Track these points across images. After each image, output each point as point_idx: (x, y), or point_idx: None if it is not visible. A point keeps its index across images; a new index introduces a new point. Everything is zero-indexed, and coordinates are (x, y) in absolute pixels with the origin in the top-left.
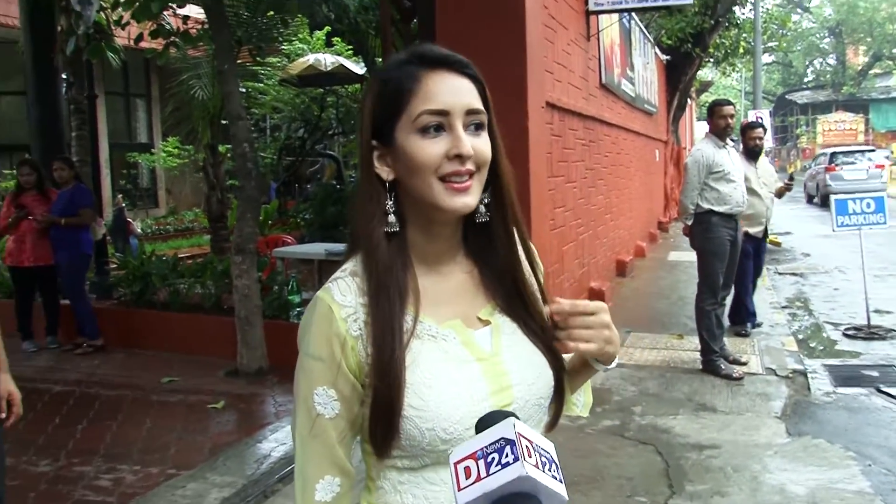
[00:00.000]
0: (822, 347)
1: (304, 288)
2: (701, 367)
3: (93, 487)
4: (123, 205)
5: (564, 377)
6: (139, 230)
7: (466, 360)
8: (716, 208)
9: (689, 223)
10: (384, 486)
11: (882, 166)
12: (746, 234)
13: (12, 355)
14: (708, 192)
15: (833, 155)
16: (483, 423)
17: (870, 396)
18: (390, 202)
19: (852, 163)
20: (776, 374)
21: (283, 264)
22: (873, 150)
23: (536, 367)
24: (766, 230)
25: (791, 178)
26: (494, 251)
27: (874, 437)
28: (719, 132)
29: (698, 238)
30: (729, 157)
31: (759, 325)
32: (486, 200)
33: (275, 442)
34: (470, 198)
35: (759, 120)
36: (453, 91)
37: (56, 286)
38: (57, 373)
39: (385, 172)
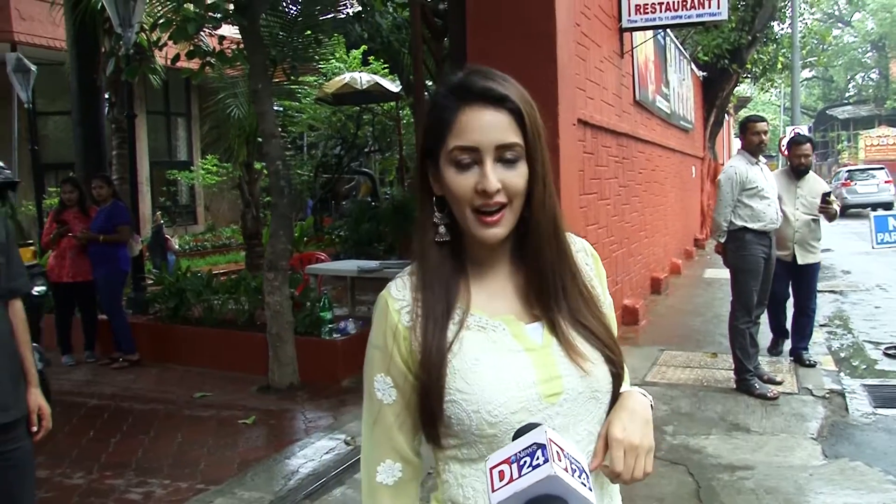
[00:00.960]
0: (861, 367)
1: (336, 304)
2: (735, 386)
3: (123, 501)
4: (162, 222)
5: (622, 381)
6: (177, 246)
7: (515, 350)
8: (749, 225)
9: (722, 241)
10: (448, 479)
11: (890, 181)
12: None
13: (51, 369)
14: (741, 209)
15: (850, 172)
16: (520, 433)
17: None
18: (439, 215)
19: (865, 179)
20: (812, 395)
21: (316, 281)
22: (882, 168)
23: (589, 362)
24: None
25: (827, 198)
26: (539, 256)
27: None
28: (752, 149)
29: (731, 256)
30: (762, 174)
31: (779, 351)
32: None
33: (303, 458)
34: (500, 229)
35: (800, 135)
36: (485, 127)
37: (94, 302)
38: (93, 386)
39: (436, 188)
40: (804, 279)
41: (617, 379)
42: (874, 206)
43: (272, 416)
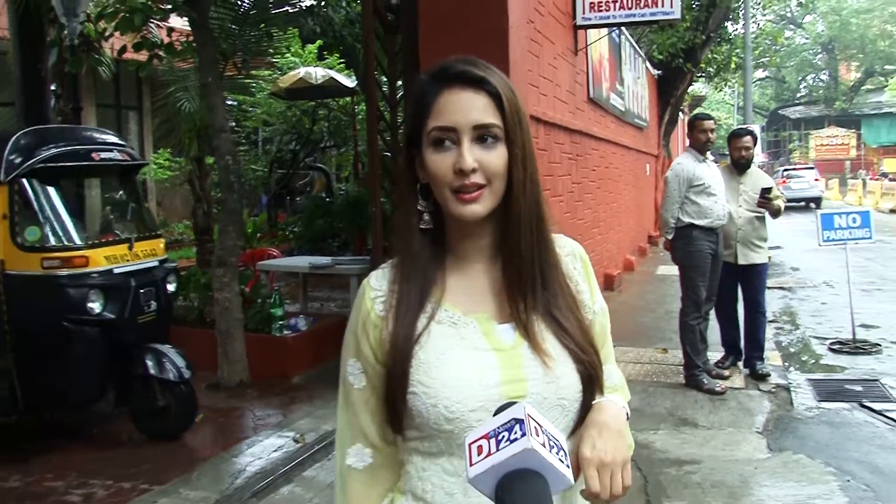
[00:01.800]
0: (807, 362)
1: (288, 301)
2: (684, 381)
3: (62, 503)
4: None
5: (597, 387)
6: None
7: (482, 348)
8: (696, 222)
9: (670, 237)
10: (410, 470)
11: (819, 179)
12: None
13: None
14: (689, 205)
15: (786, 171)
16: (499, 411)
17: (852, 411)
18: (423, 202)
19: (799, 177)
20: (759, 389)
21: (267, 277)
22: (812, 168)
23: (559, 366)
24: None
25: (766, 193)
26: (518, 243)
27: (855, 452)
28: (699, 146)
29: (679, 252)
30: (709, 171)
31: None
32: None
33: (251, 456)
34: (478, 206)
35: (740, 127)
36: (462, 108)
37: None
38: None
39: (421, 175)
40: (751, 281)
41: (589, 386)
42: (806, 201)
43: (220, 413)
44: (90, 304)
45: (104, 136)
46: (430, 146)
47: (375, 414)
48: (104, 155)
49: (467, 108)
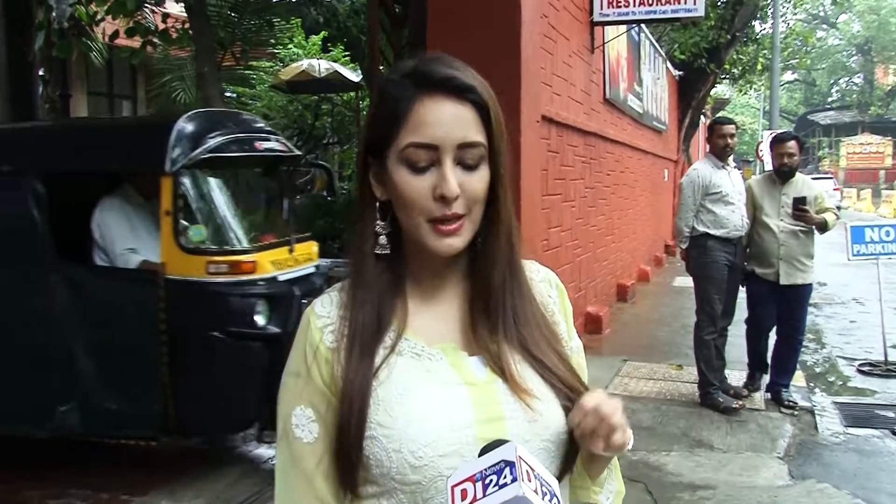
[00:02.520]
0: (833, 383)
1: None
2: (699, 400)
3: None
4: None
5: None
6: None
7: (452, 382)
8: (712, 231)
9: (684, 247)
10: None
11: (838, 188)
12: (753, 273)
13: None
14: (704, 214)
15: None
16: (486, 450)
17: (883, 439)
18: (381, 223)
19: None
20: (781, 412)
21: None
22: (831, 178)
23: (541, 403)
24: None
25: (800, 204)
26: (492, 274)
27: (887, 483)
28: (718, 152)
29: (694, 263)
30: (729, 179)
31: (755, 387)
32: (481, 234)
33: (239, 466)
34: (457, 240)
35: (785, 132)
36: (446, 122)
37: None
38: None
39: (379, 191)
40: (791, 303)
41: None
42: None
43: None
44: (255, 316)
45: (259, 124)
46: (402, 164)
47: (331, 477)
48: (266, 145)
49: (452, 122)
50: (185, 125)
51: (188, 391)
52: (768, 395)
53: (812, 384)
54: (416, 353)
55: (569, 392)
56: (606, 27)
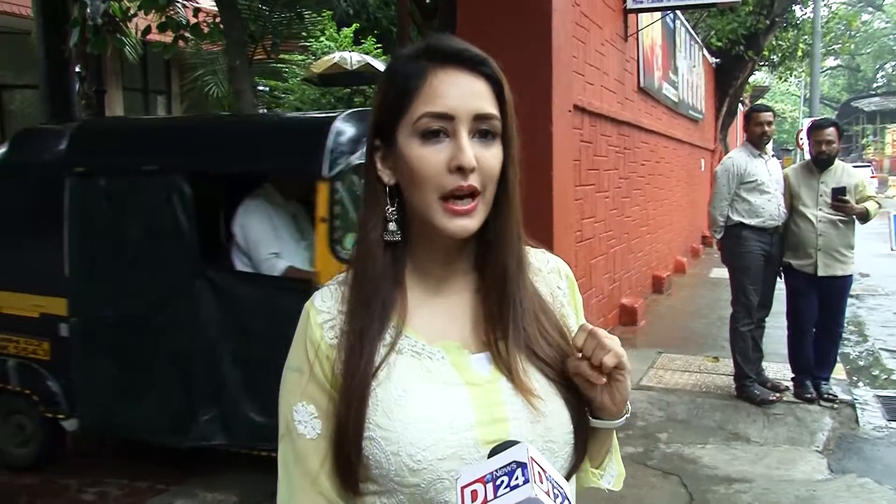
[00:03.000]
0: (877, 377)
1: None
2: (735, 392)
3: (76, 501)
4: None
5: (587, 424)
6: None
7: (453, 383)
8: (746, 221)
9: (718, 237)
10: None
11: (875, 177)
12: (789, 266)
13: None
14: (738, 203)
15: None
16: (497, 451)
17: None
18: (391, 208)
19: None
20: (820, 405)
21: None
22: (869, 166)
23: (546, 403)
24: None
25: (839, 194)
26: (503, 266)
27: None
28: (755, 140)
29: (728, 253)
30: (765, 167)
31: (810, 395)
32: (492, 221)
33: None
34: (471, 221)
35: (823, 118)
36: (461, 93)
37: None
38: None
39: (387, 175)
40: (830, 296)
41: (580, 426)
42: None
43: None
44: None
45: None
46: (415, 137)
47: (334, 475)
48: None
49: (466, 92)
50: (343, 126)
51: None
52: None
53: (854, 377)
54: (416, 352)
55: (570, 393)
56: (640, 14)
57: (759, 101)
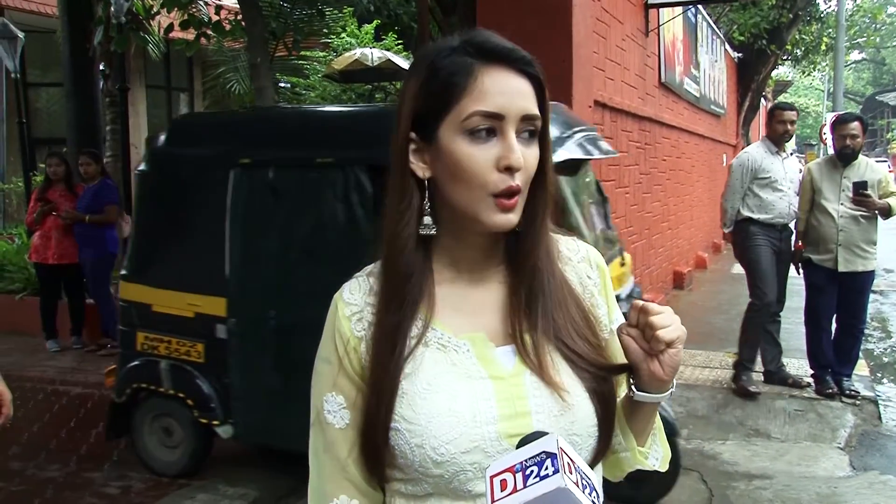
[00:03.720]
0: None
1: None
2: (733, 379)
3: (99, 494)
4: None
5: (616, 417)
6: None
7: (477, 377)
8: (755, 216)
9: (728, 230)
10: None
11: (893, 171)
12: (809, 261)
13: (35, 355)
14: (750, 198)
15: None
16: (525, 441)
17: None
18: (426, 202)
19: None
20: (842, 401)
21: None
22: (886, 161)
23: (570, 396)
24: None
25: (861, 189)
26: (534, 257)
27: None
28: (776, 138)
29: (739, 248)
30: (781, 165)
31: (831, 390)
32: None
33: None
34: (514, 215)
35: (847, 112)
36: (510, 92)
37: (82, 285)
38: (78, 374)
39: (421, 170)
40: (851, 291)
41: (605, 419)
42: None
43: None
44: None
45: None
46: (462, 134)
47: (362, 463)
48: (604, 146)
49: (516, 92)
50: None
51: None
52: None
53: (878, 373)
54: (443, 345)
55: (597, 383)
56: (661, 9)
57: (782, 99)
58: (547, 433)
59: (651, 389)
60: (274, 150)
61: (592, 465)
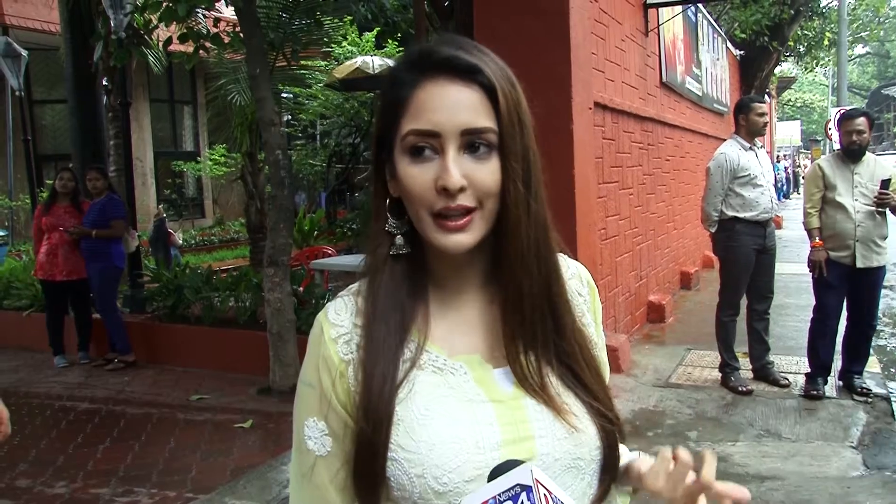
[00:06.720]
0: None
1: None
2: (720, 382)
3: None
4: (164, 215)
5: (618, 440)
6: (181, 241)
7: (477, 400)
8: (741, 215)
9: (712, 231)
10: None
11: None
12: (828, 260)
13: (42, 371)
14: (732, 197)
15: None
16: (497, 472)
17: None
18: (394, 221)
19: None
20: (853, 399)
21: (322, 277)
22: (893, 154)
23: (574, 419)
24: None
25: (886, 186)
26: (514, 279)
27: None
28: (756, 131)
29: (720, 247)
30: (757, 160)
31: (817, 392)
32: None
33: None
34: (464, 236)
35: (853, 108)
36: (448, 107)
37: (88, 300)
38: (85, 389)
39: (392, 187)
40: (864, 287)
41: (608, 442)
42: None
43: (271, 419)
44: None
45: None
46: (404, 154)
47: (347, 489)
48: None
49: (455, 106)
50: None
51: None
52: (840, 383)
53: (890, 370)
54: (438, 368)
55: (598, 405)
56: (661, 9)
57: (786, 95)
58: (521, 461)
59: (624, 485)
60: None
61: (604, 490)
